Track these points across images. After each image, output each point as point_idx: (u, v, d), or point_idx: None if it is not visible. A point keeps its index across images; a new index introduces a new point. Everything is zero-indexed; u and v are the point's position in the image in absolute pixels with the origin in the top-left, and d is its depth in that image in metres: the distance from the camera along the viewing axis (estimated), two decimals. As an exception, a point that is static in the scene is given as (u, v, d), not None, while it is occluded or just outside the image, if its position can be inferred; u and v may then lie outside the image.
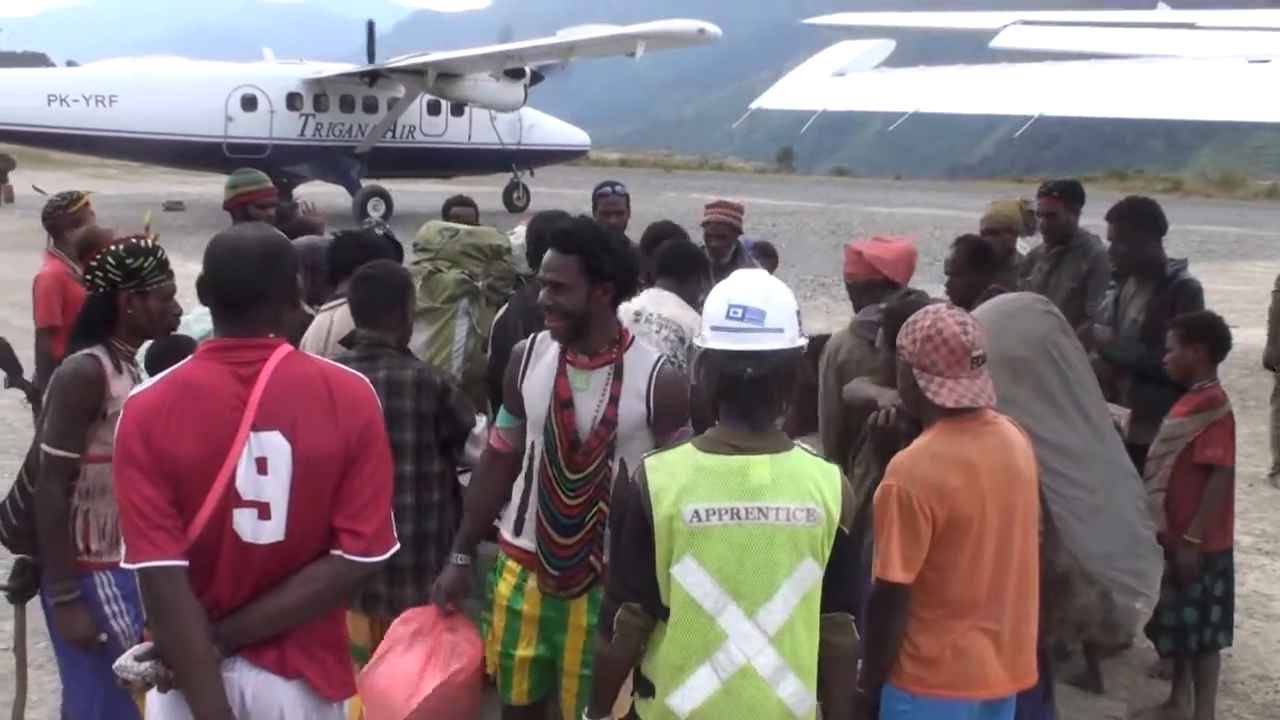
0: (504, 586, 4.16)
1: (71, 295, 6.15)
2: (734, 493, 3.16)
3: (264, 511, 2.98)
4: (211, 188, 35.91)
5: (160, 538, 2.91)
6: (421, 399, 4.63)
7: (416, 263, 5.88)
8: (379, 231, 6.49)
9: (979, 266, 6.08)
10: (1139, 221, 6.25)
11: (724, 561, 3.16)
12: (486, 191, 34.47)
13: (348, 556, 3.04)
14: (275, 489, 2.98)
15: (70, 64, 30.06)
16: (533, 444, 4.07)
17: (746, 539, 3.15)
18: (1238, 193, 46.76)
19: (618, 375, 4.02)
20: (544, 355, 4.10)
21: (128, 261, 4.11)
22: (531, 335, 4.20)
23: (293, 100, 29.20)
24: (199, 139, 28.10)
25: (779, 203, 37.18)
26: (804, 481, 3.19)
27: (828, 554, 3.20)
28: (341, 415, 3.04)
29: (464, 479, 4.94)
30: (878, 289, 4.99)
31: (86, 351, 4.06)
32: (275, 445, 2.97)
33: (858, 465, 4.72)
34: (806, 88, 6.32)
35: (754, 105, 6.27)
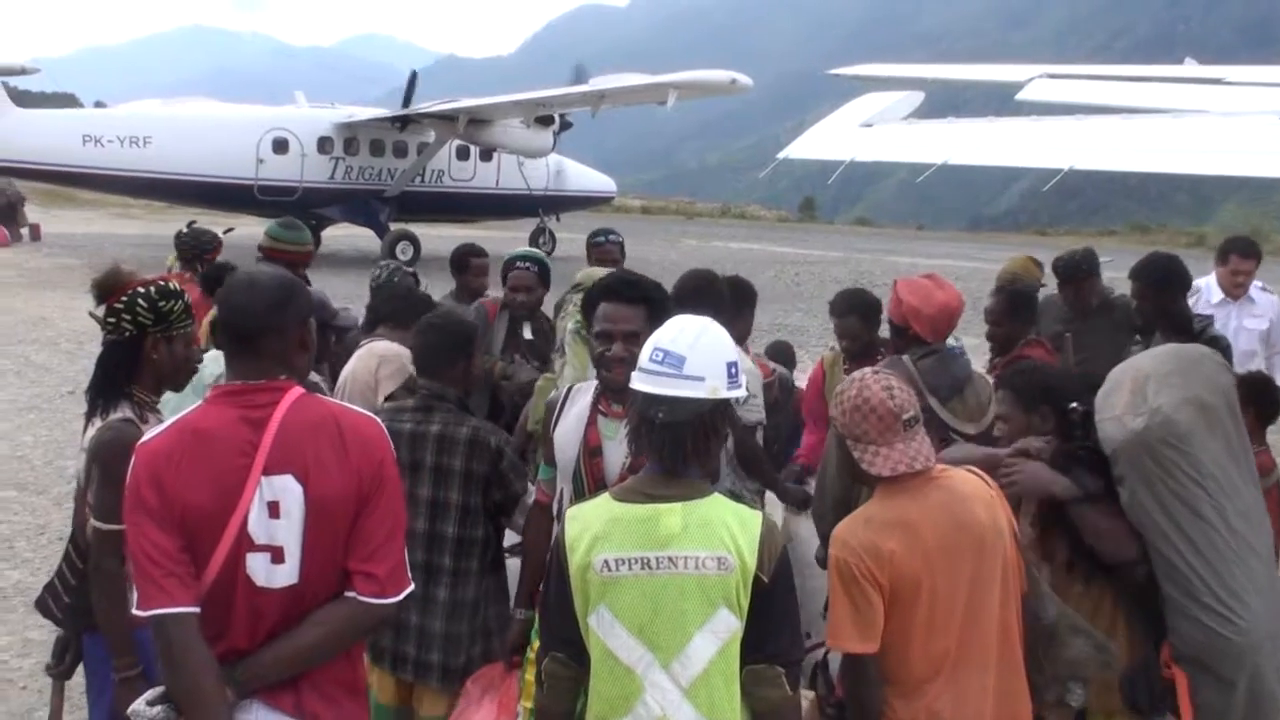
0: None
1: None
2: (644, 541, 3.12)
3: (277, 555, 2.97)
4: (238, 230, 36.15)
5: (172, 585, 2.90)
6: (473, 459, 4.50)
7: (574, 300, 5.89)
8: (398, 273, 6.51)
9: (1020, 316, 6.11)
10: (1162, 278, 6.22)
11: (637, 611, 3.12)
12: (511, 236, 34.74)
13: (361, 599, 3.02)
14: (288, 532, 2.97)
15: (99, 105, 30.39)
16: (561, 491, 4.09)
17: (658, 588, 3.11)
18: (1264, 247, 46.41)
19: None
20: (576, 404, 4.13)
21: (160, 304, 3.98)
22: (568, 386, 4.27)
23: (324, 144, 29.48)
24: (231, 180, 28.34)
25: (802, 251, 37.15)
26: (717, 529, 3.13)
27: (745, 604, 3.12)
28: (353, 457, 3.02)
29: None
30: (907, 340, 4.95)
31: (122, 417, 3.93)
32: (287, 489, 2.96)
33: None
34: (834, 138, 6.34)
35: (781, 155, 6.27)
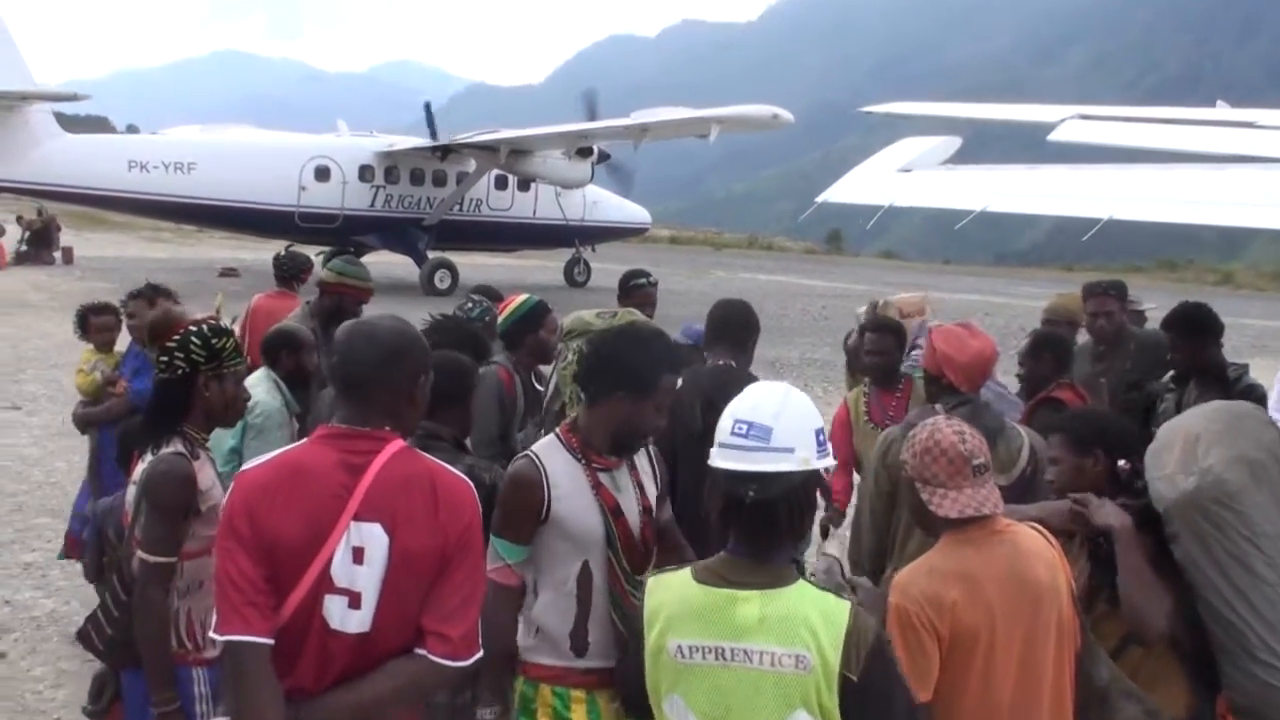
0: (578, 717, 3.89)
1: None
2: (719, 631, 2.95)
3: (354, 600, 3.00)
4: (265, 254, 36.50)
5: (251, 614, 2.95)
6: None
7: (576, 348, 5.88)
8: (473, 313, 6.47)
9: (1049, 359, 6.14)
10: (1195, 327, 6.27)
11: (710, 705, 2.97)
12: (540, 265, 34.88)
13: (432, 658, 3.03)
14: (369, 580, 3.00)
15: (132, 129, 30.83)
16: (585, 563, 3.87)
17: (731, 682, 2.94)
18: (1294, 289, 46.34)
19: (631, 464, 4.01)
20: (563, 473, 3.89)
21: (213, 342, 4.07)
22: (526, 457, 3.94)
23: (365, 172, 29.96)
24: (273, 207, 28.85)
25: (828, 284, 37.21)
26: (796, 624, 2.90)
27: (832, 705, 2.90)
28: (443, 516, 3.06)
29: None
30: (941, 389, 4.95)
31: (174, 450, 4.00)
32: (374, 536, 3.00)
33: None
34: (872, 182, 6.36)
35: (820, 199, 6.29)
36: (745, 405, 3.06)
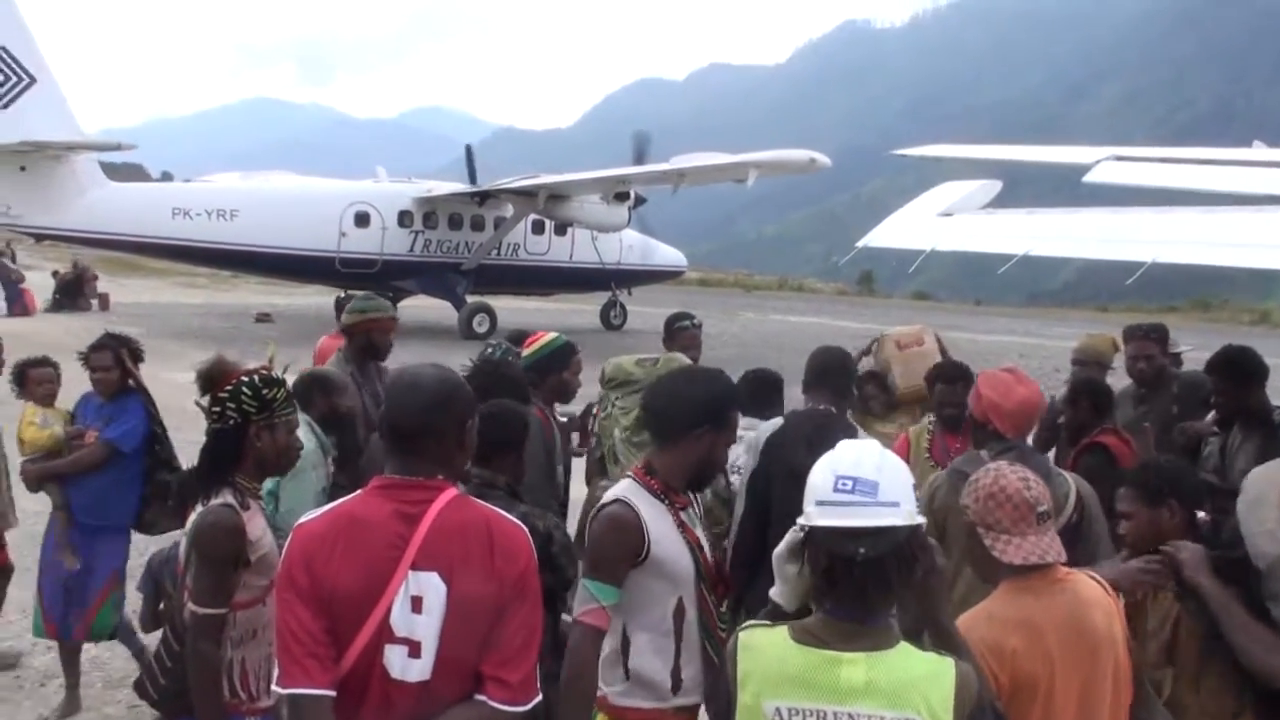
0: None
1: None
2: (822, 694, 2.85)
3: (414, 650, 3.04)
4: (299, 299, 36.81)
5: (312, 666, 2.99)
6: None
7: (617, 399, 5.90)
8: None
9: (1092, 405, 6.13)
10: (1240, 372, 6.26)
11: None
12: (576, 309, 34.94)
13: (492, 703, 3.07)
14: (427, 628, 3.04)
15: (166, 175, 31.22)
16: (679, 599, 3.91)
17: None
18: (1328, 326, 45.95)
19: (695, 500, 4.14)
20: (651, 515, 3.91)
21: (264, 392, 4.12)
22: (619, 502, 3.93)
23: (404, 217, 30.23)
24: (314, 253, 29.09)
25: (861, 325, 37.11)
26: (905, 687, 2.83)
27: None
28: (499, 562, 3.10)
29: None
30: (987, 435, 4.95)
31: (223, 502, 4.03)
32: (432, 585, 3.04)
33: None
34: (913, 226, 6.39)
35: (861, 244, 6.32)
36: (845, 461, 2.98)
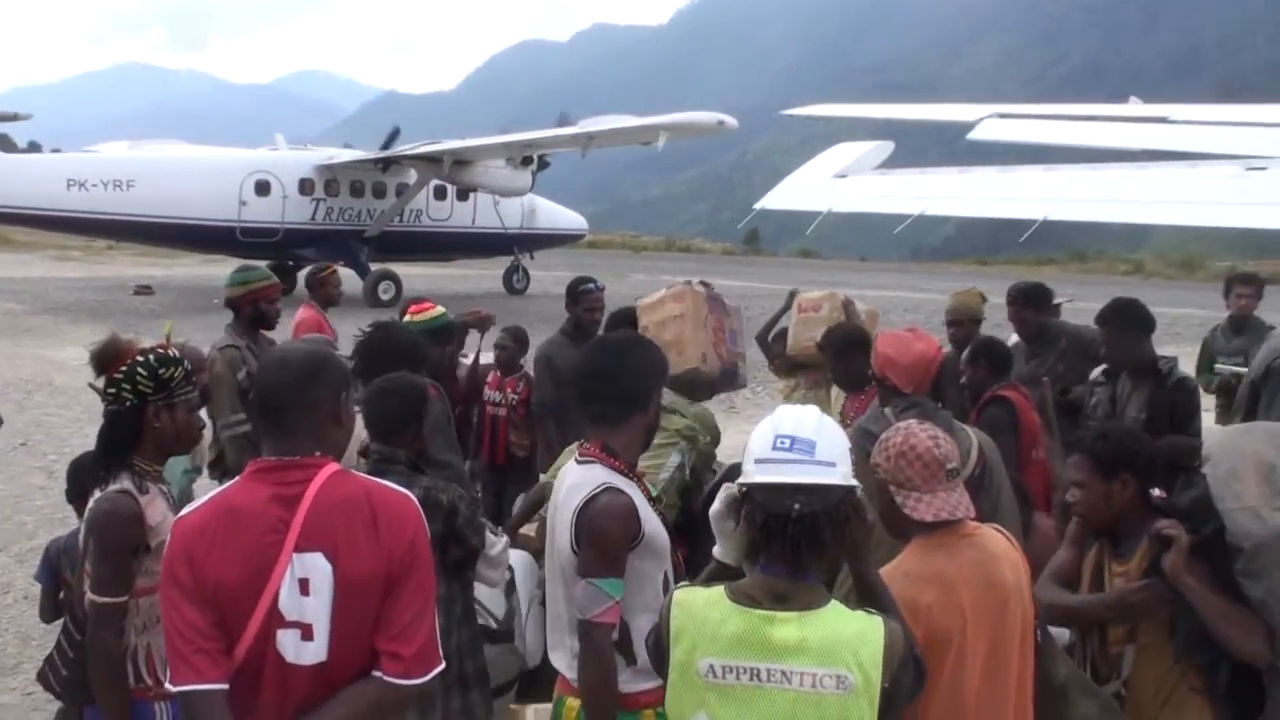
0: None
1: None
2: (756, 651, 2.91)
3: (307, 632, 2.98)
4: (178, 270, 35.97)
5: (201, 662, 2.93)
6: (426, 519, 4.41)
7: None
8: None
9: (989, 364, 6.27)
10: (1129, 322, 6.43)
11: None
12: (480, 274, 34.73)
13: (387, 679, 3.02)
14: (317, 610, 2.98)
15: (33, 145, 30.23)
16: (665, 574, 3.86)
17: (767, 704, 2.91)
18: (1199, 275, 47.35)
19: None
20: (635, 496, 3.81)
21: (160, 371, 3.95)
22: (610, 489, 3.75)
23: (304, 185, 29.85)
24: (214, 223, 28.64)
25: (750, 284, 37.38)
26: (837, 645, 2.90)
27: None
28: (384, 535, 3.03)
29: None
30: (888, 391, 5.02)
31: (119, 488, 3.89)
32: (317, 566, 2.98)
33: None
34: (809, 189, 6.43)
35: (757, 206, 6.35)
36: (786, 422, 3.06)
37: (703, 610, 3.00)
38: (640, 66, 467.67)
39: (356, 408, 5.22)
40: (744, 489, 3.07)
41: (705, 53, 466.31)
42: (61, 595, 4.97)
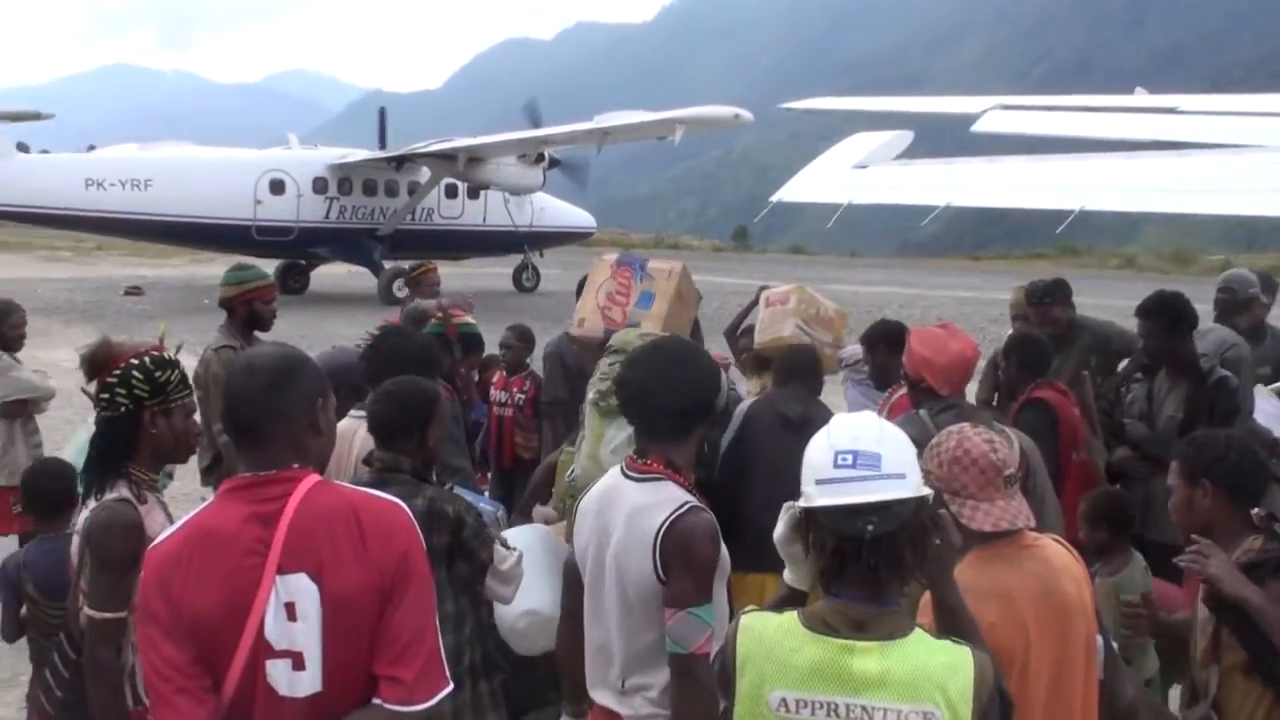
0: None
1: None
2: (834, 684, 2.67)
3: (298, 661, 2.74)
4: (167, 271, 35.69)
5: (183, 702, 2.69)
6: (432, 531, 4.11)
7: (610, 364, 5.66)
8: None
9: (1020, 361, 6.08)
10: (1171, 318, 6.19)
11: None
12: (492, 271, 34.77)
13: (389, 706, 2.76)
14: (307, 636, 2.73)
15: (21, 147, 30.09)
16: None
17: None
18: (1191, 268, 47.34)
19: None
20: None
21: (156, 375, 3.76)
22: (695, 509, 3.53)
23: (319, 184, 30.13)
24: (230, 222, 28.92)
25: (741, 281, 37.20)
26: (921, 679, 2.66)
27: None
28: (373, 548, 2.78)
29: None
30: (923, 393, 4.80)
31: (117, 497, 3.69)
32: (302, 588, 2.73)
33: None
34: (828, 180, 6.22)
35: (775, 198, 6.14)
36: (843, 435, 2.79)
37: (774, 637, 2.76)
38: (625, 64, 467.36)
39: (357, 412, 5.02)
40: (805, 512, 2.82)
41: (690, 50, 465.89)
42: (24, 612, 4.70)
